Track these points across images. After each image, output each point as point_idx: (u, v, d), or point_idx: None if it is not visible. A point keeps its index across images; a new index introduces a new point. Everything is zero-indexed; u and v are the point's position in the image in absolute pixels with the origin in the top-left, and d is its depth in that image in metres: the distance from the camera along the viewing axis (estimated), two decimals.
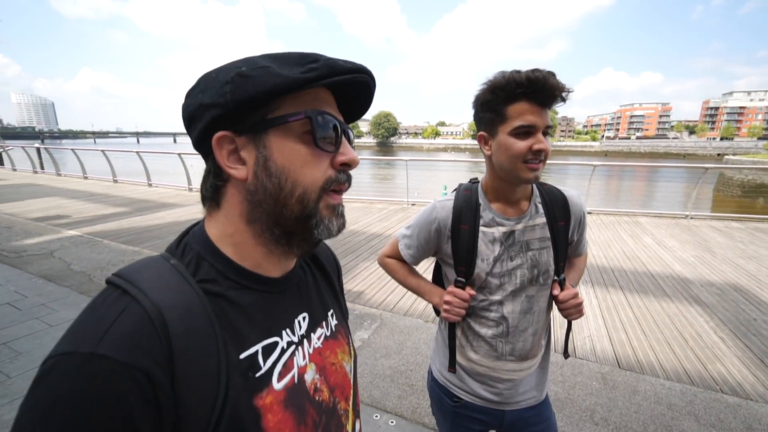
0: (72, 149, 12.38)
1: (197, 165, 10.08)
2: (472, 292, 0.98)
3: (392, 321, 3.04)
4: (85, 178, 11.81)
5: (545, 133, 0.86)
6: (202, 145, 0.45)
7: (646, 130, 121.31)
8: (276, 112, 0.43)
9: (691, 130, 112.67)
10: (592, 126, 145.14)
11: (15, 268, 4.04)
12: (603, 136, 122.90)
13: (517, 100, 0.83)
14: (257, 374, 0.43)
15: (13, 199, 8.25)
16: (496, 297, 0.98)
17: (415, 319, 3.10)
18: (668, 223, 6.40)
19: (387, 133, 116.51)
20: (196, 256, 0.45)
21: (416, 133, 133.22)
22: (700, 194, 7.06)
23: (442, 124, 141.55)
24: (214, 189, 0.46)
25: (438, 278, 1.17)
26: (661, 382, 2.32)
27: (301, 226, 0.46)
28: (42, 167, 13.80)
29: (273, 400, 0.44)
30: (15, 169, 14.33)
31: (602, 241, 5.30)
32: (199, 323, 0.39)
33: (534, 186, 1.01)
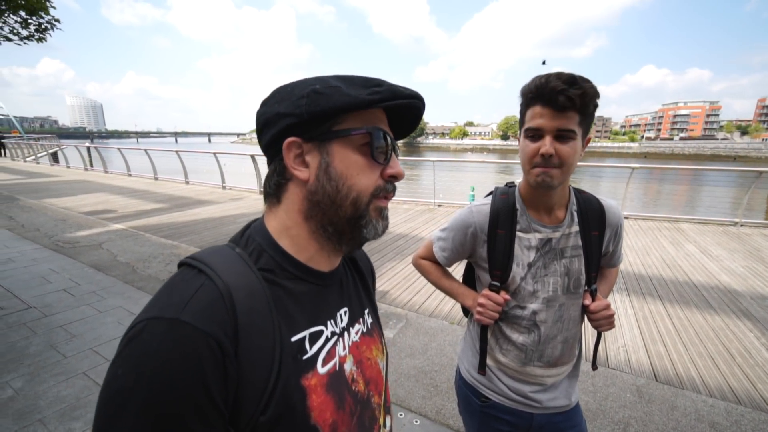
0: (118, 148, 13.25)
1: (230, 164, 10.52)
2: (507, 296, 0.98)
3: (417, 321, 3.05)
4: (129, 175, 12.61)
5: (561, 137, 0.84)
6: (271, 147, 0.51)
7: (691, 130, 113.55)
8: (341, 126, 0.49)
9: (744, 131, 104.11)
10: (630, 126, 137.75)
11: (69, 258, 4.40)
12: (642, 137, 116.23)
13: (533, 104, 0.86)
14: (304, 357, 0.48)
15: (67, 194, 8.96)
16: (529, 303, 0.98)
17: (440, 321, 3.09)
18: (714, 230, 5.98)
19: (414, 134, 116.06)
20: (258, 248, 0.50)
21: (443, 134, 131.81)
22: (752, 200, 6.55)
23: (470, 124, 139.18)
24: (277, 186, 0.52)
25: (468, 280, 1.17)
26: (703, 399, 2.19)
27: (352, 226, 0.51)
28: (91, 165, 14.86)
29: (317, 382, 0.48)
30: (69, 167, 15.54)
31: (640, 247, 5.03)
32: (259, 305, 0.44)
33: (572, 193, 1.00)
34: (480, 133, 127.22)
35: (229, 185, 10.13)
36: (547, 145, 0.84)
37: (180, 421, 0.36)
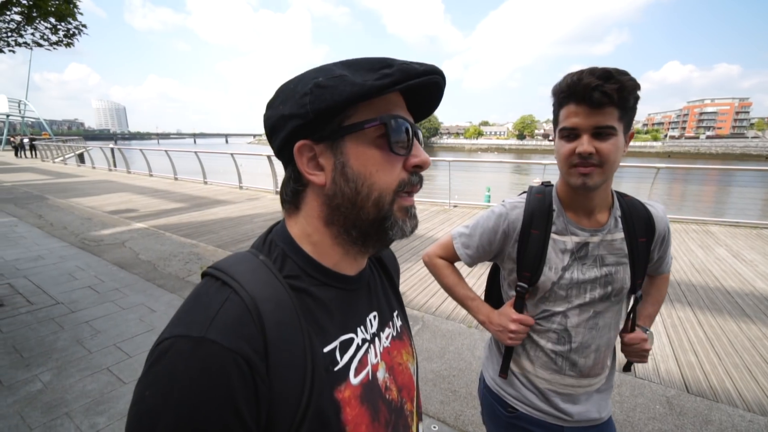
0: (140, 149, 13.68)
1: (246, 164, 10.69)
2: (531, 320, 0.95)
3: (434, 324, 3.01)
4: (151, 175, 12.98)
5: (600, 134, 0.80)
6: (283, 152, 0.48)
7: (719, 128, 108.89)
8: (352, 119, 0.44)
9: None
10: (653, 125, 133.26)
11: (94, 255, 4.54)
12: (666, 136, 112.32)
13: (566, 103, 0.83)
14: (336, 368, 0.45)
15: (92, 194, 9.29)
16: (560, 308, 0.93)
17: (458, 324, 3.03)
18: (747, 233, 5.70)
19: (428, 134, 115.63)
20: (282, 254, 0.47)
21: (458, 133, 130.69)
22: None
23: (486, 123, 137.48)
24: (294, 194, 0.49)
25: (492, 282, 1.13)
26: (741, 413, 2.07)
27: (377, 228, 0.47)
28: (115, 165, 15.39)
29: (351, 394, 0.45)
30: (94, 167, 16.14)
31: None
32: (288, 316, 0.41)
33: (615, 197, 0.95)
34: (495, 132, 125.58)
35: (246, 185, 10.29)
36: (584, 144, 0.80)
37: None
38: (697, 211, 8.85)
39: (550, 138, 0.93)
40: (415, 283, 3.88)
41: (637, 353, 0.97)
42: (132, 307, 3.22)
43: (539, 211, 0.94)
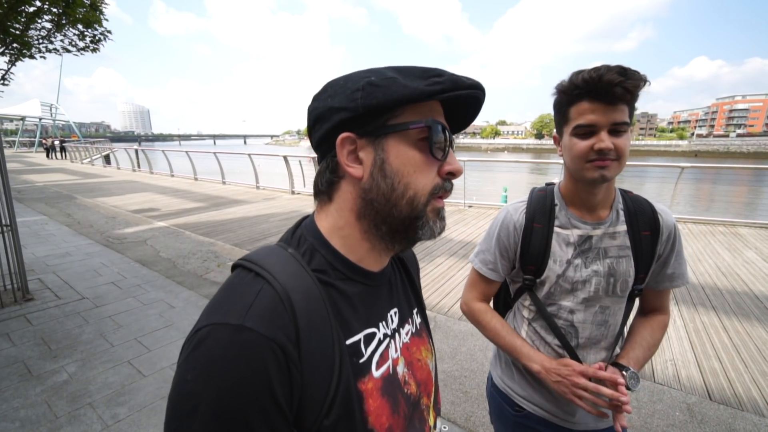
0: (162, 150, 14.12)
1: (264, 165, 10.89)
2: (602, 373, 0.82)
3: (446, 325, 2.99)
4: (172, 175, 13.39)
5: (616, 131, 0.80)
6: (324, 144, 0.49)
7: (751, 126, 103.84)
8: (397, 119, 0.46)
9: None
10: (679, 123, 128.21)
11: (118, 253, 4.72)
12: (693, 134, 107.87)
13: (578, 100, 0.82)
14: (360, 360, 0.47)
15: (117, 194, 9.66)
16: (566, 303, 0.93)
17: (470, 325, 2.99)
18: None
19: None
20: (311, 248, 0.49)
21: (474, 133, 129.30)
22: None
23: (503, 123, 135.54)
24: (329, 184, 0.50)
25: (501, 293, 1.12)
26: None
27: (407, 226, 0.48)
28: (139, 166, 15.95)
29: (373, 386, 0.47)
30: (119, 168, 16.77)
31: (690, 253, 4.65)
32: (317, 307, 0.43)
33: (618, 193, 0.95)
34: (513, 132, 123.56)
35: (263, 185, 10.49)
36: (605, 140, 0.79)
37: (247, 425, 0.36)
38: (725, 213, 8.47)
39: (553, 135, 0.92)
40: (428, 283, 3.86)
41: (610, 403, 0.80)
42: (152, 303, 3.34)
43: (541, 206, 0.96)
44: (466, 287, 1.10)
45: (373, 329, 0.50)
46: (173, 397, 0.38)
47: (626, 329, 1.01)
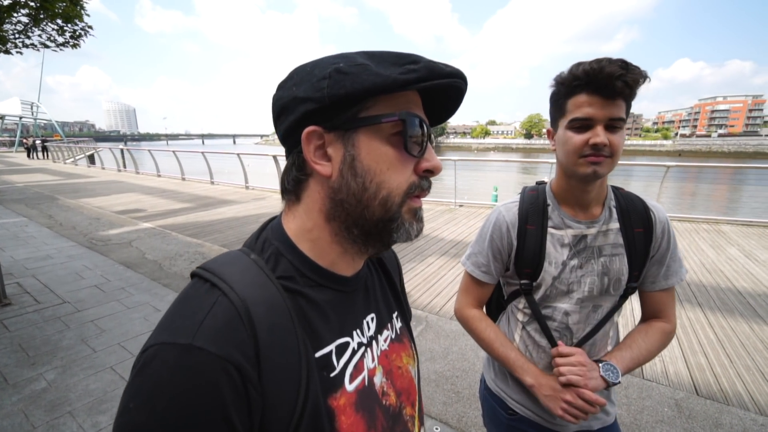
0: (149, 150, 13.84)
1: (253, 164, 10.76)
2: (595, 397, 0.81)
3: (438, 324, 2.98)
4: (159, 176, 13.13)
5: (612, 127, 0.78)
6: (289, 138, 0.45)
7: (732, 126, 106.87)
8: (368, 111, 0.42)
9: None
10: (663, 123, 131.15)
11: (102, 255, 4.59)
12: (677, 134, 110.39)
13: (577, 93, 0.79)
14: (331, 374, 0.43)
15: (101, 194, 9.42)
16: (562, 305, 0.91)
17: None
18: (760, 232, 5.56)
19: (435, 133, 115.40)
20: (276, 253, 0.45)
21: (464, 133, 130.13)
22: None
23: (493, 123, 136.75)
24: (296, 182, 0.46)
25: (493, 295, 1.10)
26: (752, 417, 2.01)
27: (381, 229, 0.45)
28: (124, 166, 15.61)
29: (346, 401, 0.43)
30: (104, 168, 16.38)
31: None
32: (281, 319, 0.39)
33: (610, 190, 0.93)
34: (503, 132, 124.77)
35: (252, 185, 10.36)
36: (600, 135, 0.77)
37: None
38: (709, 211, 8.68)
39: (545, 132, 0.90)
40: (420, 282, 3.85)
41: (571, 374, 0.82)
42: (137, 307, 3.24)
43: (534, 207, 0.93)
44: (459, 292, 1.08)
45: (347, 339, 0.46)
46: (116, 428, 0.34)
47: (621, 328, 1.01)
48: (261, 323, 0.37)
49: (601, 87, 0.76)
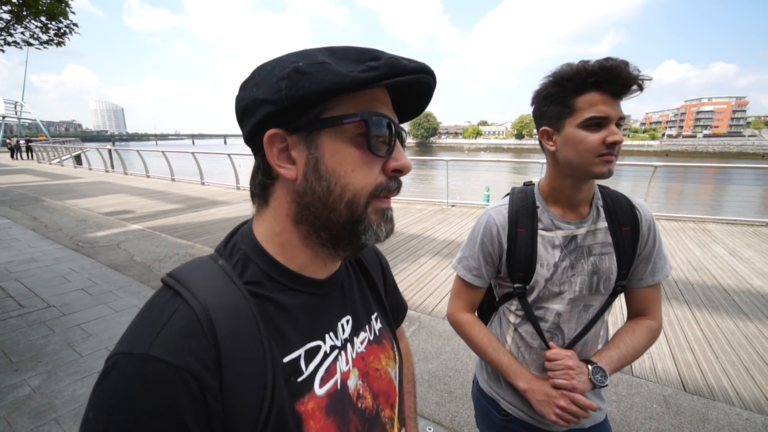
0: (137, 150, 13.62)
1: (245, 165, 10.65)
2: (590, 402, 0.84)
3: (431, 324, 2.98)
4: (148, 176, 12.92)
5: (618, 125, 0.79)
6: (254, 140, 0.44)
7: (716, 127, 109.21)
8: (330, 112, 0.41)
9: None
10: (650, 124, 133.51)
11: (89, 257, 4.50)
12: (664, 135, 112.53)
13: (588, 90, 0.78)
14: (299, 379, 0.42)
15: (88, 195, 9.23)
16: (553, 305, 0.92)
17: None
18: (744, 231, 5.69)
19: (427, 134, 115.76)
20: (243, 258, 0.45)
21: (456, 133, 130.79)
22: None
23: (484, 123, 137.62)
24: (262, 186, 0.46)
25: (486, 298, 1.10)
26: (738, 411, 2.05)
27: (349, 231, 0.44)
28: (112, 167, 15.32)
29: (315, 406, 0.43)
30: (91, 169, 16.06)
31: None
32: (245, 326, 0.39)
33: (596, 189, 0.94)
34: (494, 132, 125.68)
35: (244, 186, 10.25)
36: (618, 133, 0.77)
37: None
38: (695, 209, 8.86)
39: (539, 132, 0.89)
40: (412, 283, 3.85)
41: (560, 374, 0.85)
42: (125, 310, 3.18)
43: (523, 209, 0.93)
44: (451, 296, 1.07)
45: (318, 342, 0.46)
46: None
47: (610, 326, 1.01)
48: (223, 330, 0.37)
49: (616, 86, 0.75)
